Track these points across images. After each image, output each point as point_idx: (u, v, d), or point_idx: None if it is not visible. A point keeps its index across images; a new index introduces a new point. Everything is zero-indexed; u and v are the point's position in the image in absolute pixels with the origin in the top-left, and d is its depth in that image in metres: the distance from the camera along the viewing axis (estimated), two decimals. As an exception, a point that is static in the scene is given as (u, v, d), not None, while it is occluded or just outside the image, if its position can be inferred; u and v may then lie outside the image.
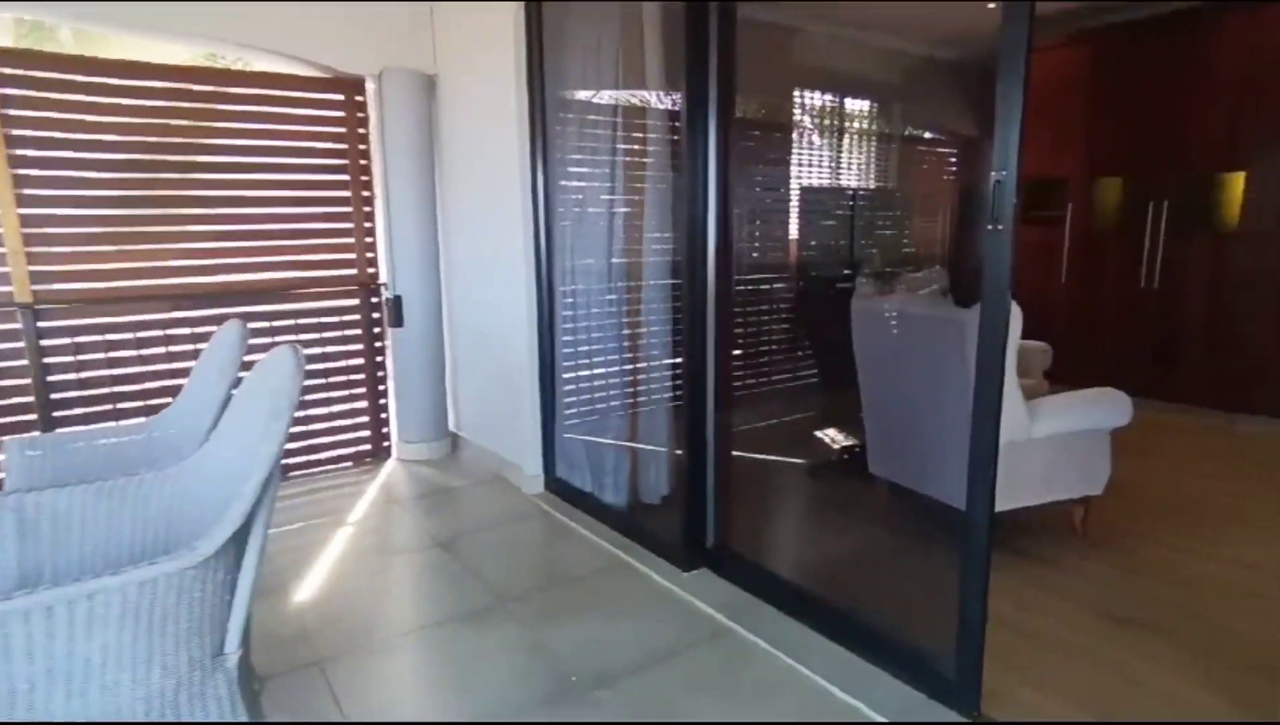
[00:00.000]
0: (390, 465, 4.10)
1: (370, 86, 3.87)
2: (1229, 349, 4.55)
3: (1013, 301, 2.54)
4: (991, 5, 1.62)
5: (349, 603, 2.56)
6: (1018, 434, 2.62)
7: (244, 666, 1.53)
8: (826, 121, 5.85)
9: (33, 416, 3.22)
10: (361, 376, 4.11)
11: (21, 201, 3.10)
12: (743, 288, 5.29)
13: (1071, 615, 2.36)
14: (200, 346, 3.03)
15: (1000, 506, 2.77)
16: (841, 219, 5.68)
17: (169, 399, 3.24)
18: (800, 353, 5.28)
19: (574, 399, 3.48)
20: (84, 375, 3.32)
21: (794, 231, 5.45)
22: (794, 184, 5.55)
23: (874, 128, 6.20)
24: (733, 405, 2.72)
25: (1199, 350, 4.69)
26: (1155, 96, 4.74)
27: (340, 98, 3.85)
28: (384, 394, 4.20)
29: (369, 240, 4.04)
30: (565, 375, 3.47)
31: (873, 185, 6.28)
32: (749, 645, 2.22)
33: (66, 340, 3.27)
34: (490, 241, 3.70)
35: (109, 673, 1.27)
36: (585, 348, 3.39)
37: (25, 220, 3.11)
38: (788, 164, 5.62)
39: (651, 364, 3.23)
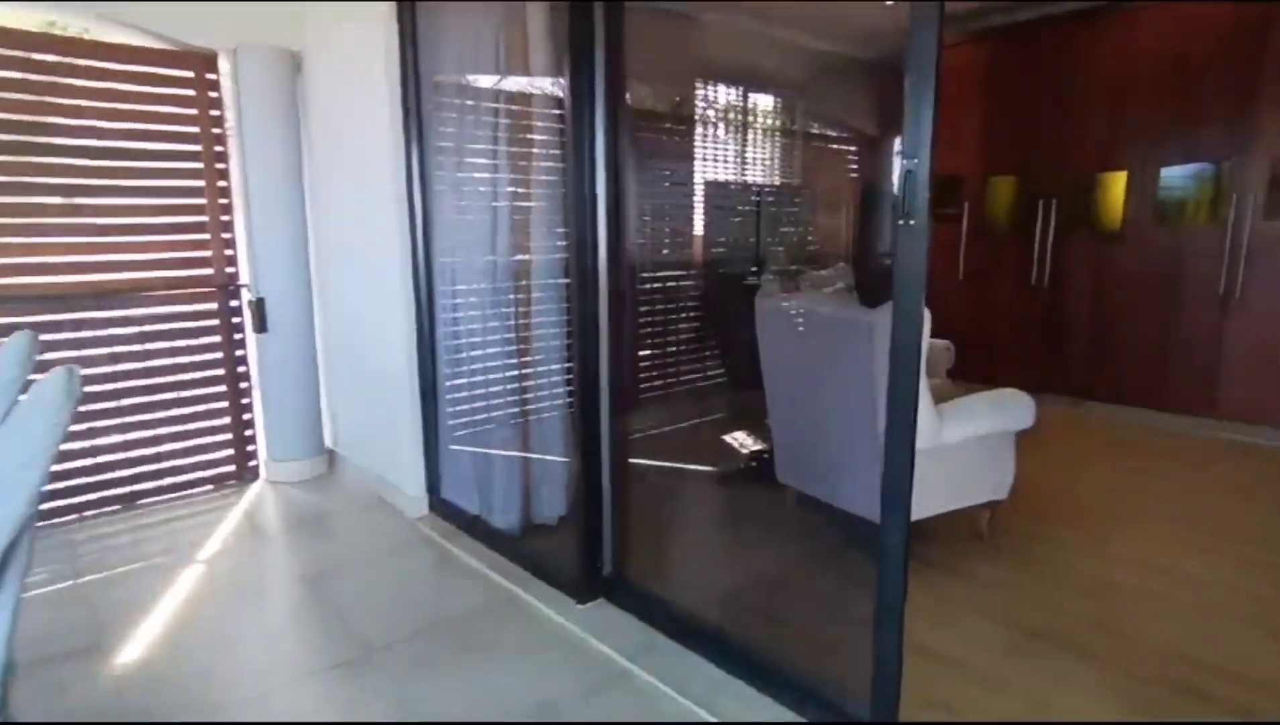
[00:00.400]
0: (257, 488, 3.65)
1: (225, 63, 3.42)
2: (1112, 344, 4.69)
3: (921, 302, 2.42)
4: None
5: (181, 662, 2.17)
6: (928, 441, 2.50)
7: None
8: (732, 116, 5.73)
9: None
10: (221, 388, 3.64)
11: None
12: (648, 286, 5.08)
13: (986, 634, 2.26)
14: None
15: (913, 517, 2.67)
16: (748, 215, 5.56)
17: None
18: (708, 352, 5.13)
19: (460, 410, 3.16)
20: None
21: (700, 228, 5.28)
22: (699, 179, 5.38)
23: (779, 123, 6.12)
24: (630, 414, 2.49)
25: (1084, 346, 4.82)
26: (1044, 96, 4.83)
27: (189, 74, 3.37)
28: (249, 408, 3.74)
29: (227, 236, 3.58)
30: (450, 384, 3.15)
31: (778, 181, 6.21)
32: (648, 690, 1.99)
33: None
34: (362, 237, 3.33)
35: None
36: (471, 353, 3.08)
37: None
38: (693, 159, 5.45)
39: (544, 369, 2.96)
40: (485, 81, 2.86)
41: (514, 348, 3.00)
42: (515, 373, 3.00)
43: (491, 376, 3.06)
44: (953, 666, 2.08)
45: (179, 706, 1.95)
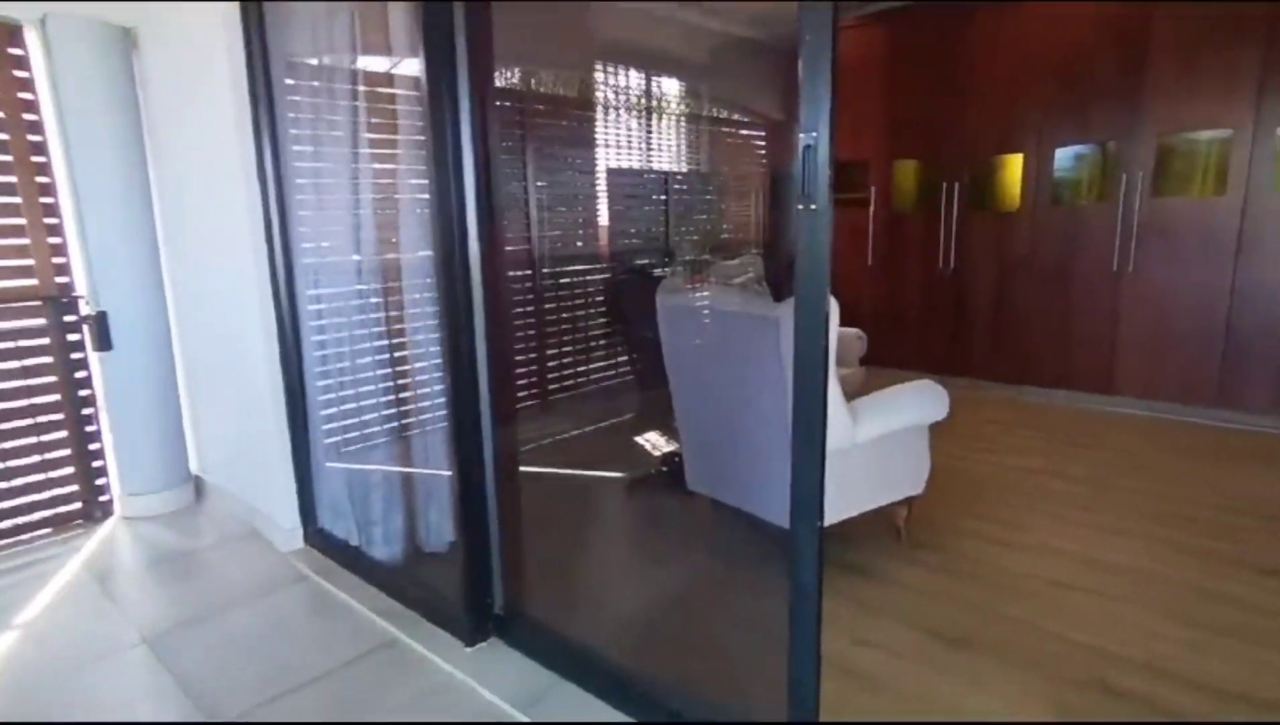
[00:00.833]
0: (110, 527, 3.20)
1: (31, 36, 2.93)
2: (1014, 325, 4.74)
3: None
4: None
5: (-22, 763, 1.79)
6: (842, 440, 2.35)
7: None
8: (636, 101, 5.50)
9: None
10: (59, 417, 3.16)
11: None
12: (551, 282, 4.81)
13: (905, 643, 2.12)
14: None
15: (827, 521, 2.53)
16: (656, 204, 5.36)
17: None
18: (617, 349, 4.91)
19: (335, 428, 2.82)
20: None
21: (606, 218, 5.04)
22: (603, 167, 5.14)
23: (684, 108, 5.94)
24: (534, 420, 2.22)
25: (989, 328, 4.86)
26: (944, 78, 4.81)
27: (-14, 51, 2.88)
28: (95, 437, 3.27)
29: (55, 241, 3.10)
30: (323, 399, 2.81)
31: (686, 169, 6.03)
32: (545, 747, 1.75)
33: None
34: (212, 237, 2.94)
35: None
36: (341, 365, 2.75)
37: None
38: (596, 146, 5.20)
39: (425, 378, 2.66)
40: (344, 65, 2.52)
41: (391, 357, 2.69)
42: (393, 383, 2.70)
43: (366, 388, 2.74)
44: (874, 686, 1.94)
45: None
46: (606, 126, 5.29)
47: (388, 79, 2.49)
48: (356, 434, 2.81)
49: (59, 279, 3.11)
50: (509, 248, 4.62)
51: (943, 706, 1.85)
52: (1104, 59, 4.20)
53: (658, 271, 5.21)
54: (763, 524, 2.59)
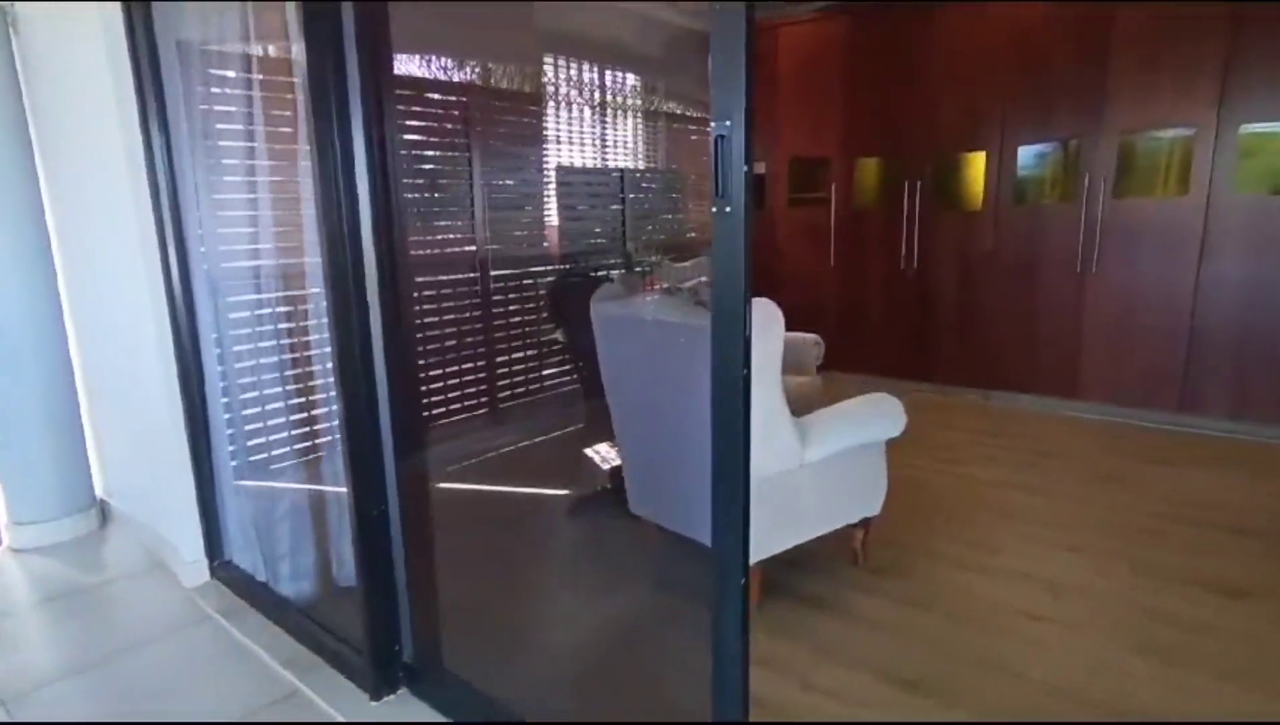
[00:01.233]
0: (-4, 559, 2.91)
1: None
2: (978, 328, 4.62)
3: (771, 303, 2.07)
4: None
5: None
6: (789, 462, 2.16)
7: None
8: (590, 95, 5.28)
9: None
10: (-63, 439, 2.86)
11: None
12: (498, 284, 4.57)
13: (857, 688, 1.94)
14: None
15: (774, 549, 2.34)
16: (612, 203, 5.14)
17: None
18: (562, 358, 4.68)
19: (240, 449, 2.57)
20: None
21: (555, 218, 4.81)
22: (552, 165, 4.91)
23: (641, 103, 5.73)
24: (426, 446, 2.00)
25: (952, 331, 4.73)
26: (907, 73, 4.67)
27: None
28: (-22, 460, 2.97)
29: (-71, 244, 2.79)
30: (229, 418, 2.55)
31: (644, 166, 5.83)
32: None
33: None
34: (102, 241, 2.66)
35: None
36: (248, 381, 2.49)
37: None
38: (546, 142, 4.97)
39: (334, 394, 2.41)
40: (239, 51, 2.27)
41: (300, 370, 2.44)
42: (304, 400, 2.45)
43: (274, 406, 2.49)
44: (823, 739, 1.75)
45: None
46: (559, 122, 5.06)
47: (287, 66, 2.25)
48: (264, 457, 2.56)
49: (-64, 287, 2.81)
50: (450, 251, 4.38)
51: (897, 763, 1.67)
52: (1066, 56, 4.08)
53: (603, 274, 5.00)
54: (708, 553, 2.39)
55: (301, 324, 2.36)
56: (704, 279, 3.82)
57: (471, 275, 4.46)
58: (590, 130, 5.33)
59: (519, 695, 1.82)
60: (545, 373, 4.97)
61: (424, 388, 4.30)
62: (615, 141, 5.53)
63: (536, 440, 4.20)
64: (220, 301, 2.48)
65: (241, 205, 2.36)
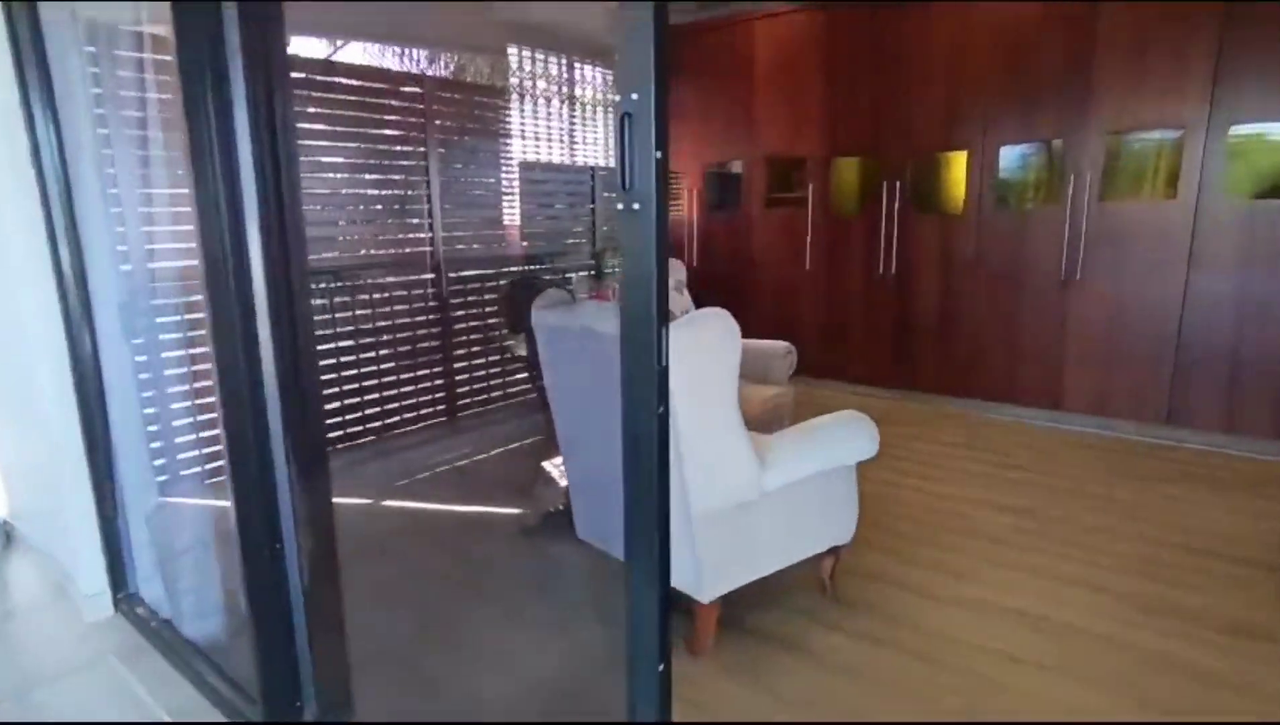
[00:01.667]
0: (-118, 588, 2.63)
1: None
2: (957, 336, 4.43)
3: (726, 316, 1.85)
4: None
5: None
6: (747, 492, 1.95)
7: None
8: (557, 89, 5.05)
9: None
10: None
11: None
12: (456, 287, 4.33)
13: (820, 743, 1.73)
14: None
15: (730, 586, 2.12)
16: (580, 201, 4.92)
17: None
18: (520, 365, 4.45)
19: (144, 467, 2.32)
20: None
21: (518, 217, 4.58)
22: (517, 161, 4.67)
23: (613, 98, 5.51)
24: (328, 470, 1.75)
25: (932, 338, 4.54)
26: (887, 69, 4.48)
27: None
28: None
29: None
30: (133, 435, 2.30)
31: (614, 164, 5.60)
32: None
33: None
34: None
35: None
36: (149, 393, 2.25)
37: None
38: (510, 137, 4.73)
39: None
40: (129, 29, 2.02)
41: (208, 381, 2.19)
42: (212, 415, 2.20)
43: (182, 423, 2.25)
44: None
45: None
46: (524, 117, 4.83)
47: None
48: (170, 478, 2.31)
49: None
50: (407, 250, 4.13)
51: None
52: (1050, 52, 3.90)
53: (563, 277, 4.77)
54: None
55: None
56: (670, 281, 3.61)
57: (427, 276, 4.22)
58: (560, 126, 5.10)
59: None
60: (507, 380, 4.74)
61: (377, 396, 4.05)
62: (589, 138, 5.31)
63: (494, 453, 3.97)
64: (128, 305, 2.23)
65: (142, 201, 2.12)
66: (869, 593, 2.39)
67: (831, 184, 4.83)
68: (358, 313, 3.92)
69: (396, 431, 4.17)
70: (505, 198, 4.66)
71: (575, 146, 5.25)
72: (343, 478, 3.61)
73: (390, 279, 4.05)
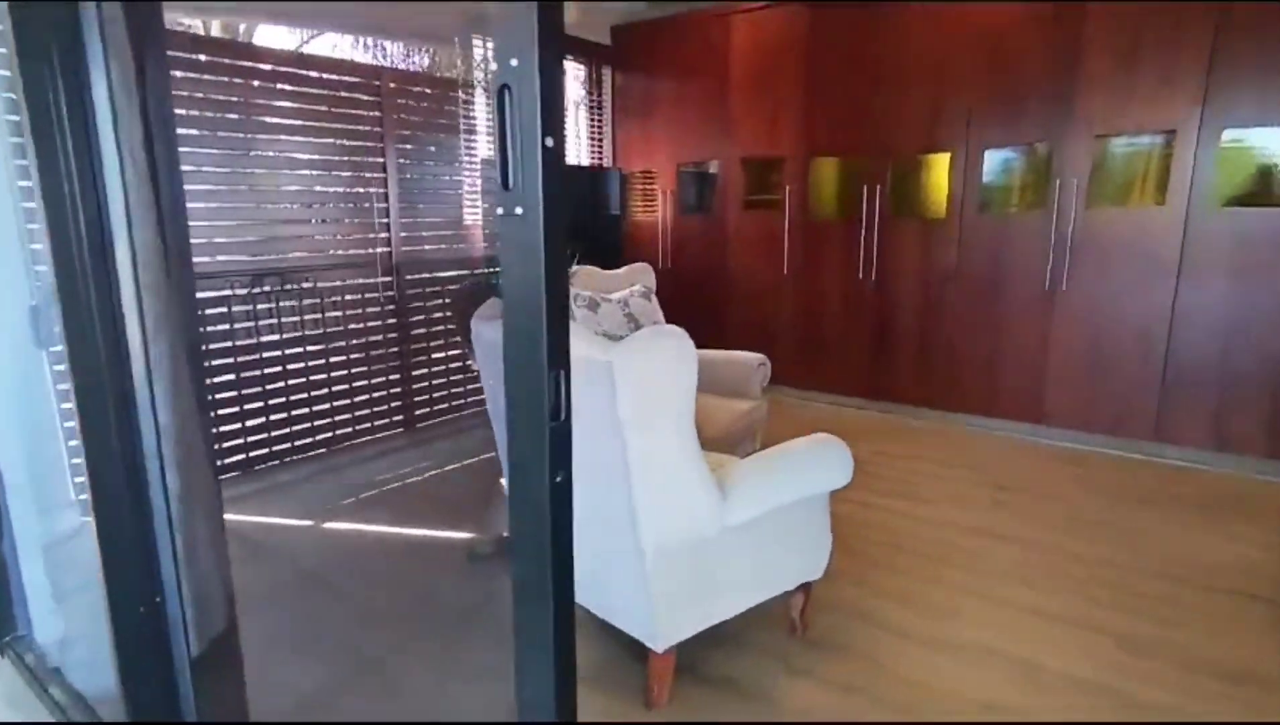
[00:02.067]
0: None
1: None
2: (939, 345, 4.26)
3: (679, 334, 1.65)
4: None
5: None
6: (707, 527, 1.74)
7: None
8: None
9: None
10: None
11: None
12: (414, 291, 4.09)
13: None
14: None
15: (687, 632, 1.90)
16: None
17: None
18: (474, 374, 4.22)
19: (51, 486, 2.07)
20: None
21: (480, 217, 4.35)
22: (479, 158, 4.45)
23: (584, 94, 5.30)
24: (220, 502, 1.52)
25: (913, 348, 4.37)
26: (868, 65, 4.30)
27: None
28: None
29: None
30: (24, 453, 2.05)
31: (587, 162, 5.39)
32: None
33: None
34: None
35: None
36: (70, 405, 2.00)
37: None
38: (475, 134, 4.50)
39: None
40: None
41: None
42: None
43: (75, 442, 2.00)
44: None
45: None
46: (489, 113, 4.60)
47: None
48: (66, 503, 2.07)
49: None
50: (363, 251, 3.89)
51: None
52: (1036, 51, 3.74)
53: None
54: (614, 631, 1.97)
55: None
56: (638, 287, 3.39)
57: (383, 279, 3.98)
58: (526, 122, 4.87)
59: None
60: (469, 388, 4.51)
61: (328, 406, 3.81)
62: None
63: (450, 468, 3.73)
64: (42, 310, 1.98)
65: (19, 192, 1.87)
66: (842, 632, 2.20)
67: (810, 186, 4.65)
68: (306, 318, 3.67)
69: (348, 443, 3.93)
70: (468, 196, 4.43)
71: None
72: (285, 496, 3.37)
73: (343, 282, 3.81)
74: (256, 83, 3.40)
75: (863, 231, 4.42)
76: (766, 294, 4.90)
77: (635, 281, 3.43)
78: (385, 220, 3.95)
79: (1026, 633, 2.20)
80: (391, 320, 4.06)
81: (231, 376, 3.42)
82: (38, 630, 2.12)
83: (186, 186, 3.20)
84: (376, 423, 4.06)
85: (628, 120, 5.36)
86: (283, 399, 3.63)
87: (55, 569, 2.14)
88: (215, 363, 3.36)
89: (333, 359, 3.82)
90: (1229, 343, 3.44)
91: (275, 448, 3.63)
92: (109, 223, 1.26)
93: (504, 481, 2.26)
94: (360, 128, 3.80)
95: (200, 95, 3.23)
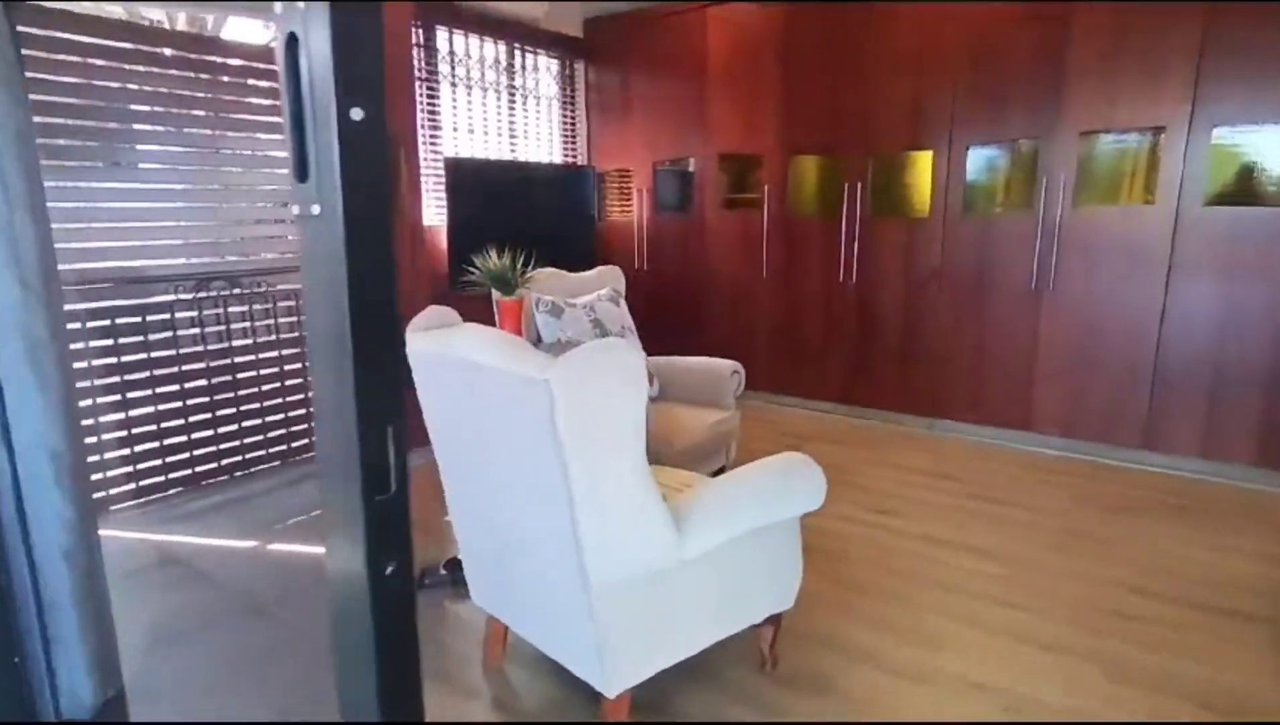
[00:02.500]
0: None
1: None
2: (922, 349, 4.12)
3: (629, 349, 1.47)
4: None
5: None
6: (662, 559, 1.57)
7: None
8: (495, 79, 4.64)
9: None
10: None
11: None
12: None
13: None
14: None
15: (644, 673, 1.73)
16: (514, 200, 4.49)
17: None
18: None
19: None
20: None
21: (440, 216, 4.16)
22: (440, 155, 4.26)
23: (556, 89, 5.12)
24: (95, 539, 1.34)
25: (895, 352, 4.23)
26: (849, 60, 4.15)
27: None
28: None
29: None
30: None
31: (560, 159, 5.21)
32: None
33: None
34: None
35: None
36: None
37: None
38: (441, 131, 4.32)
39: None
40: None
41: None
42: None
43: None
44: None
45: None
46: (456, 108, 4.42)
47: None
48: None
49: None
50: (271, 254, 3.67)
51: None
52: (1021, 46, 3.60)
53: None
54: (562, 671, 1.80)
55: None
56: (606, 291, 3.22)
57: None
58: (494, 117, 4.69)
59: None
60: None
61: (281, 416, 3.60)
62: (526, 131, 4.90)
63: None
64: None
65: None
66: (816, 664, 2.04)
67: (789, 184, 4.49)
68: (258, 324, 3.47)
69: (307, 456, 3.73)
70: (424, 195, 4.24)
71: (515, 141, 4.85)
72: (233, 514, 3.17)
73: (273, 287, 3.58)
74: (226, 78, 3.22)
75: (843, 231, 4.28)
76: (745, 296, 4.74)
77: (604, 284, 3.26)
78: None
79: (1010, 662, 2.05)
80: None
81: (176, 387, 3.22)
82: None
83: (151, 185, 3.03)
84: (312, 438, 3.85)
85: (602, 117, 5.19)
86: (233, 409, 3.43)
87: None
88: (159, 373, 3.15)
89: (287, 367, 3.62)
90: (1220, 346, 3.31)
91: (224, 462, 3.43)
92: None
93: (448, 518, 2.07)
94: (266, 119, 3.58)
95: (165, 91, 3.05)
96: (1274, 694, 1.90)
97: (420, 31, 4.14)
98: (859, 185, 4.19)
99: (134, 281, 3.07)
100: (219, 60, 3.22)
